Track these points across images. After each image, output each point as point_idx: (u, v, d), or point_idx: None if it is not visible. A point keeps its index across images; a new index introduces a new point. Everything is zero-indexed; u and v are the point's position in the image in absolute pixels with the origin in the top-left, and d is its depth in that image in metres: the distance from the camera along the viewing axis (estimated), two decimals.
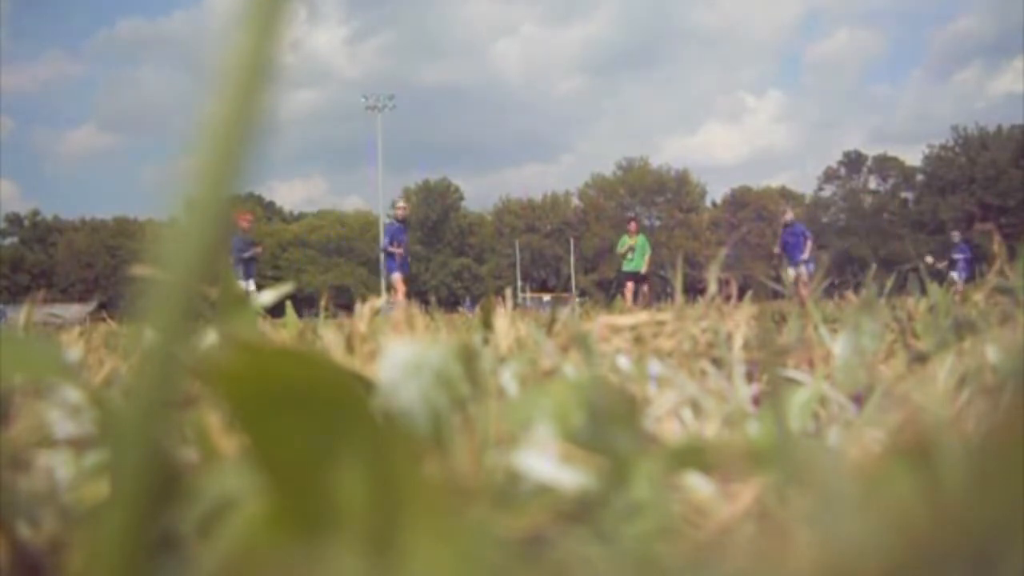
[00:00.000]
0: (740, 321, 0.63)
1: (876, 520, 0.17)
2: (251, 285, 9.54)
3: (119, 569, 0.17)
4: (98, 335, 1.21)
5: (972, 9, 76.87)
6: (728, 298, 0.76)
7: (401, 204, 11.16)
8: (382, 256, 10.45)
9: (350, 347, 0.59)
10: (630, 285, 11.44)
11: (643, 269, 12.00)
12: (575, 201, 53.26)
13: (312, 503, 0.19)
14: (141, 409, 0.17)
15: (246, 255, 9.73)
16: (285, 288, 0.71)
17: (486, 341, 0.65)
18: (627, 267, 12.05)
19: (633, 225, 12.41)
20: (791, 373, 0.52)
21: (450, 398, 0.31)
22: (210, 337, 0.25)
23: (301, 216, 54.55)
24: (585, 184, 53.39)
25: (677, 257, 0.91)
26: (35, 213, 49.96)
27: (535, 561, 0.22)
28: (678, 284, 0.80)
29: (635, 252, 11.95)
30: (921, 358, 0.63)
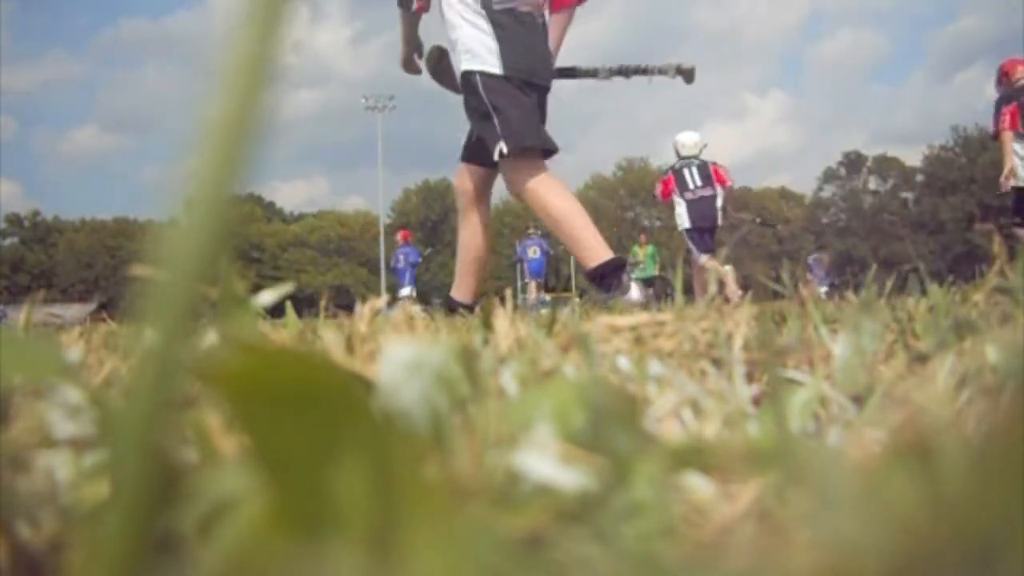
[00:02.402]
0: (740, 321, 0.63)
1: (876, 520, 0.17)
2: (412, 291, 12.40)
3: (119, 569, 0.17)
4: (98, 335, 1.21)
5: (974, 10, 76.73)
6: (728, 299, 0.76)
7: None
8: (545, 260, 13.03)
9: (350, 347, 0.59)
10: (650, 291, 12.58)
11: (654, 272, 13.40)
12: None
13: (312, 503, 0.19)
14: (141, 409, 0.17)
15: (417, 261, 12.70)
16: (285, 288, 0.71)
17: (486, 341, 0.65)
18: (638, 275, 13.18)
19: (644, 237, 14.19)
20: (791, 373, 0.52)
21: (450, 398, 0.31)
22: (210, 337, 0.25)
23: (301, 216, 54.57)
24: (585, 184, 53.41)
25: (677, 258, 0.91)
26: (35, 213, 49.98)
27: (535, 561, 0.22)
28: (678, 284, 0.80)
29: (646, 262, 13.13)
30: (921, 358, 0.63)
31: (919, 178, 49.39)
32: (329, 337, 0.59)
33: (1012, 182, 5.98)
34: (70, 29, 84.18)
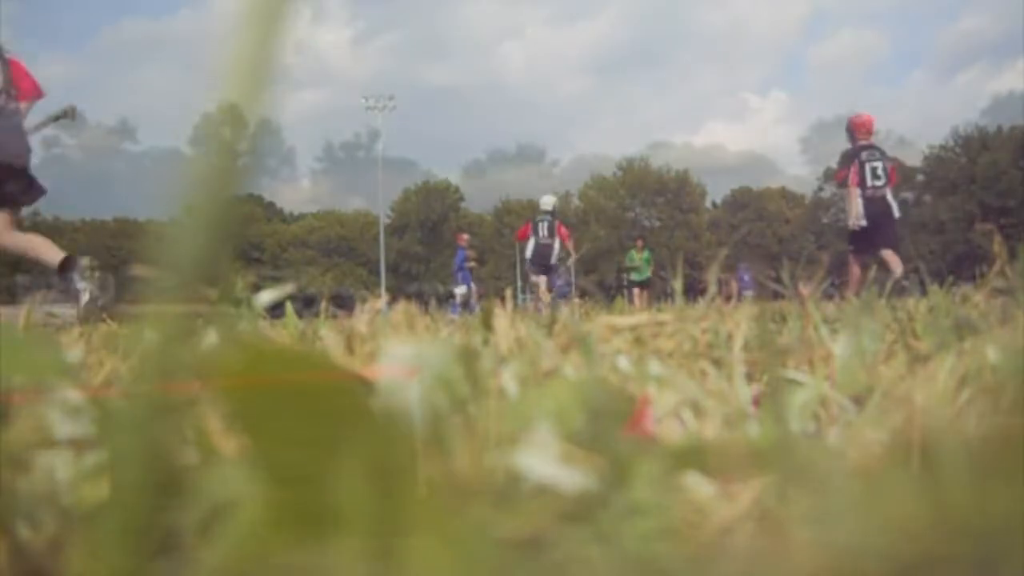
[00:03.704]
0: (740, 321, 0.63)
1: (876, 520, 0.17)
2: (467, 288, 13.87)
3: (119, 569, 0.17)
4: (98, 335, 1.21)
5: (974, 10, 76.73)
6: (728, 299, 0.76)
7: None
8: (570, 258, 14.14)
9: (350, 347, 0.59)
10: (646, 293, 13.47)
11: (648, 274, 14.44)
12: (575, 201, 53.23)
13: (312, 503, 0.19)
14: (141, 409, 0.17)
15: (469, 265, 14.12)
16: (285, 289, 0.71)
17: (486, 342, 0.65)
18: (636, 277, 14.11)
19: (640, 242, 15.09)
20: (791, 373, 0.52)
21: (450, 399, 0.31)
22: (210, 337, 0.25)
23: (301, 217, 54.54)
24: (585, 184, 53.37)
25: (677, 258, 0.91)
26: (35, 213, 50.04)
27: (535, 562, 0.22)
28: (678, 285, 0.80)
29: (642, 265, 13.92)
30: (921, 358, 0.63)
31: (919, 178, 49.37)
32: (329, 337, 0.59)
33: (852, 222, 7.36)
34: (71, 29, 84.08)
